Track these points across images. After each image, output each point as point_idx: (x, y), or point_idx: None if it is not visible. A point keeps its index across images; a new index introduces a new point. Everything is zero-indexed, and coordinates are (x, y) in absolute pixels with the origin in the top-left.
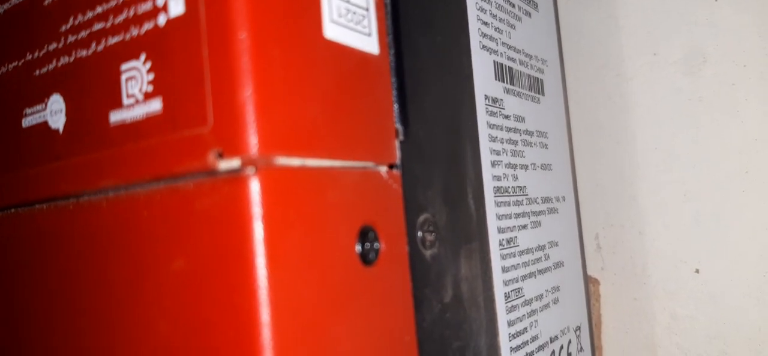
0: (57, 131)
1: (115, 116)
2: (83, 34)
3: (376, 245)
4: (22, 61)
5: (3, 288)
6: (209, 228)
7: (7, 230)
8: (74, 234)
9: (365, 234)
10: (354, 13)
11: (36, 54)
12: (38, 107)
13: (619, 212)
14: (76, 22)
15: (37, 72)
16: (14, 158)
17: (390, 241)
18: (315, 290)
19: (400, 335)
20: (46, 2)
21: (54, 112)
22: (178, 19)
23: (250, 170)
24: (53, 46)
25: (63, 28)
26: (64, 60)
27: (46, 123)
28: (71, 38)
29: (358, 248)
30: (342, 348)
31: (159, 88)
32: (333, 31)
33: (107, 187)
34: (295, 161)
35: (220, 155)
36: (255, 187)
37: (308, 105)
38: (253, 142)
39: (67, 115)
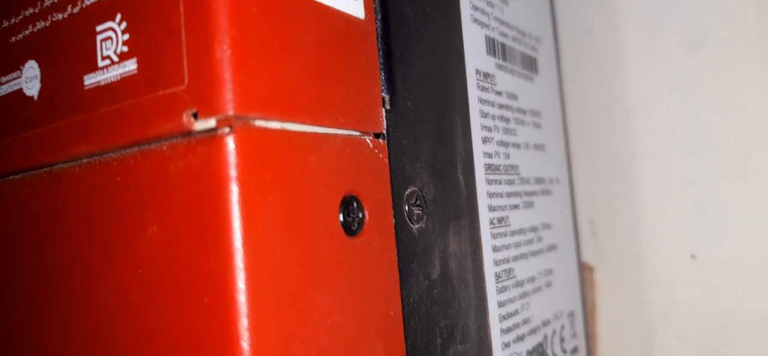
0: (32, 98)
1: (90, 79)
2: None
3: (360, 215)
4: None
5: None
6: (183, 191)
7: None
8: (48, 204)
9: (349, 204)
10: None
11: (12, 20)
12: (14, 75)
13: (615, 198)
14: None
15: (13, 39)
16: None
17: (375, 212)
18: (295, 257)
19: (386, 309)
20: None
21: (29, 78)
22: None
23: (225, 130)
24: (30, 11)
25: None
26: (40, 24)
27: (21, 91)
28: (48, 2)
29: (340, 217)
30: (323, 319)
31: (134, 48)
32: None
33: (81, 154)
34: (274, 124)
35: (195, 116)
36: (230, 146)
37: (289, 66)
38: (228, 100)
39: (42, 81)
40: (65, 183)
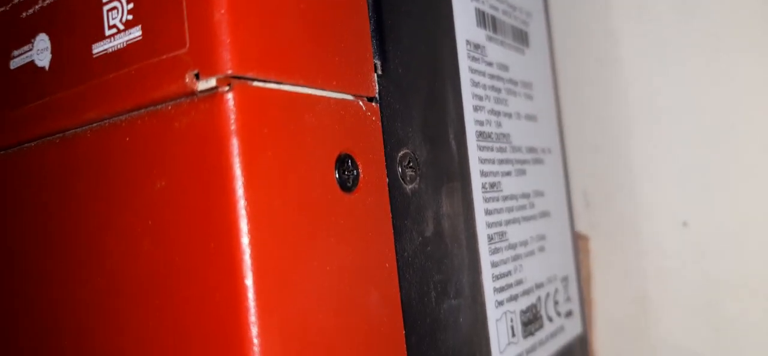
0: (43, 68)
1: (98, 48)
2: None
3: (355, 172)
4: (9, 5)
5: None
6: (188, 146)
7: None
8: (61, 168)
9: (343, 161)
10: None
11: None
12: (25, 48)
13: (607, 169)
14: None
15: (24, 14)
16: (1, 100)
17: (369, 170)
18: (293, 206)
19: (381, 261)
20: None
21: (40, 50)
22: None
23: (225, 89)
24: None
25: None
26: (48, 0)
27: (32, 62)
28: None
29: (336, 174)
30: (322, 266)
31: (138, 15)
32: None
33: (92, 119)
34: (271, 84)
35: (197, 76)
36: (230, 103)
37: (285, 29)
38: (227, 60)
39: (52, 52)
40: (78, 147)
